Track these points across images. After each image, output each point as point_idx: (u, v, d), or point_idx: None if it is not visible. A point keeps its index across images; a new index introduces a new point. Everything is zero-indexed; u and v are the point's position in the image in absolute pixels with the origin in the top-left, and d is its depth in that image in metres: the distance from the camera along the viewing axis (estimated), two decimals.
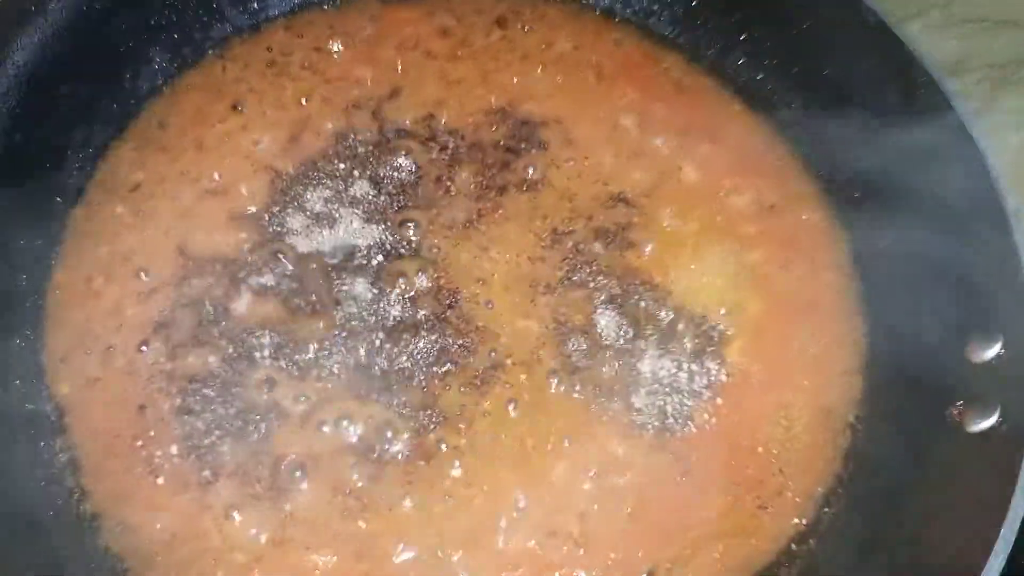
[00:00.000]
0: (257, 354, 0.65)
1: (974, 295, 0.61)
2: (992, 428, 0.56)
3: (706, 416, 0.64)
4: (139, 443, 0.62)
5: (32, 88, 0.66)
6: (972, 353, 0.60)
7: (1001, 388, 0.57)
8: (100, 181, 0.71)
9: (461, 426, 0.62)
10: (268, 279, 0.68)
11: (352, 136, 0.75)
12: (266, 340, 0.65)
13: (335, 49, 0.80)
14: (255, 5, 0.80)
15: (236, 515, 0.59)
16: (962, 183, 0.64)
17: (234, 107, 0.76)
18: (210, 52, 0.79)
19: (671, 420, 0.64)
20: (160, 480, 0.61)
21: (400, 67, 0.80)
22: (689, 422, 0.63)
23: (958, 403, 0.59)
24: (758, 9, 0.77)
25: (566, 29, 0.84)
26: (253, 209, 0.70)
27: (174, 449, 0.62)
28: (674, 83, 0.82)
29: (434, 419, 0.63)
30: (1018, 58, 0.92)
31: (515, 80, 0.80)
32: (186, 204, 0.70)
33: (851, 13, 0.67)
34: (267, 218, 0.70)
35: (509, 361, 0.66)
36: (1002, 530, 0.51)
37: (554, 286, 0.69)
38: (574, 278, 0.70)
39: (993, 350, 0.59)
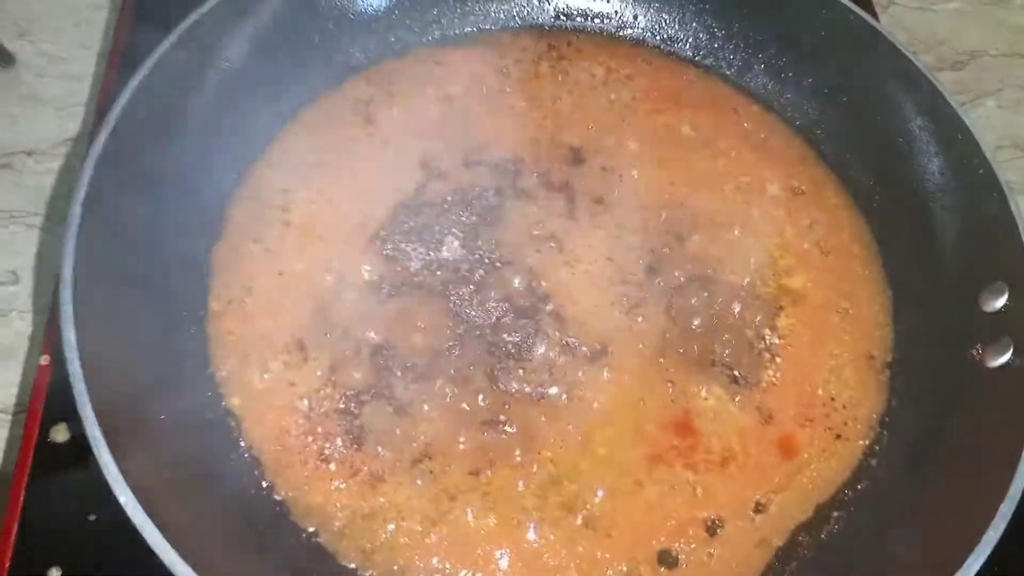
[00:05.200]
0: (396, 360, 0.76)
1: (980, 255, 0.75)
2: (1007, 363, 0.70)
3: (771, 372, 0.78)
4: (309, 439, 0.73)
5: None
6: (984, 304, 0.74)
7: (1012, 330, 0.71)
8: (234, 221, 0.83)
9: (571, 392, 0.76)
10: (391, 294, 0.80)
11: (437, 169, 0.87)
12: (399, 347, 0.77)
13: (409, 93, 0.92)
14: (339, 59, 0.92)
15: (404, 490, 0.71)
16: (958, 162, 0.79)
17: (335, 153, 0.87)
18: (300, 106, 0.90)
19: (744, 380, 0.77)
20: (332, 467, 0.72)
21: (466, 103, 0.92)
22: (760, 379, 0.77)
23: (977, 345, 0.73)
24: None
25: (601, 57, 0.97)
26: (370, 237, 0.82)
27: (339, 441, 0.73)
28: (700, 94, 0.95)
29: (543, 388, 0.76)
30: None
31: (567, 106, 0.93)
32: (311, 234, 0.82)
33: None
34: (384, 245, 0.82)
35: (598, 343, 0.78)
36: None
37: (630, 280, 0.82)
38: (645, 272, 0.83)
39: (1001, 300, 0.73)
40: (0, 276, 0.97)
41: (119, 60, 0.98)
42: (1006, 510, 0.61)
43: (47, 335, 0.80)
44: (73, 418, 0.67)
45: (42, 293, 0.94)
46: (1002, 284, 0.73)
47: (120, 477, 0.58)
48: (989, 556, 0.59)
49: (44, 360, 0.78)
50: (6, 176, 1.04)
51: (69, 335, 0.63)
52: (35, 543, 0.71)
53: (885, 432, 0.76)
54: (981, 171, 0.76)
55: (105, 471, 0.59)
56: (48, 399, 0.77)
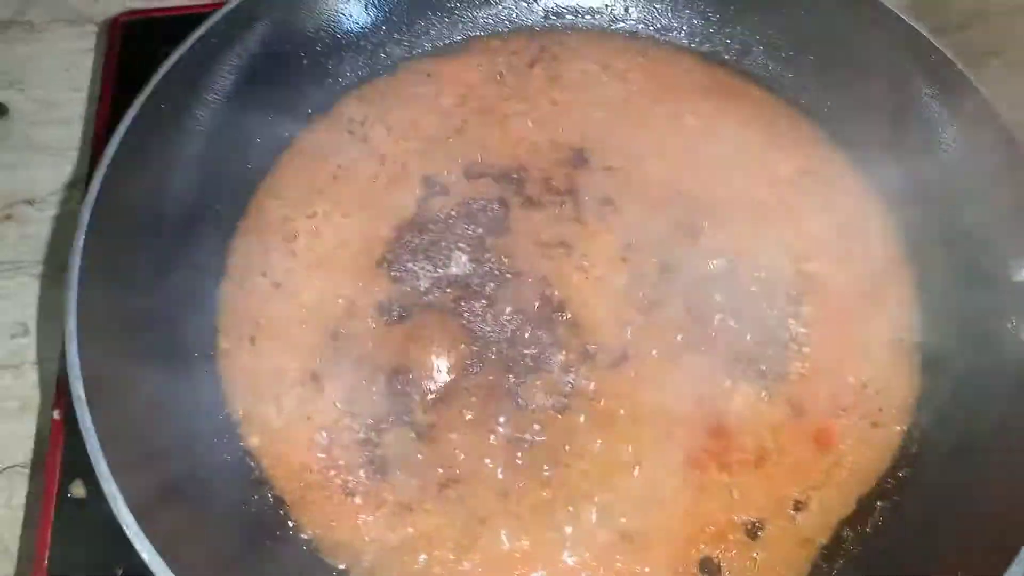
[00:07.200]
0: (413, 384, 0.75)
1: (1006, 223, 0.73)
2: None
3: (799, 363, 0.75)
4: (332, 473, 0.71)
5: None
6: (1015, 274, 0.71)
7: None
8: (238, 255, 0.81)
9: (595, 401, 0.73)
10: (402, 317, 0.78)
11: (439, 184, 0.85)
12: (415, 371, 0.75)
13: (403, 108, 0.90)
14: (329, 81, 0.90)
15: (432, 518, 0.69)
16: (972, 128, 0.76)
17: (333, 177, 0.86)
18: (295, 132, 0.89)
19: (771, 373, 0.75)
20: (357, 500, 0.70)
21: (462, 114, 0.90)
22: (788, 371, 0.75)
23: (1011, 317, 0.70)
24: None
25: (595, 53, 0.95)
26: (376, 259, 0.81)
27: (362, 473, 0.71)
28: (700, 81, 0.93)
29: (565, 400, 0.74)
30: None
31: (564, 107, 0.91)
32: (316, 262, 0.80)
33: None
34: (391, 267, 0.80)
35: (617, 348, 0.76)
36: None
37: (645, 280, 0.80)
38: (660, 270, 0.80)
39: None
40: (11, 328, 0.96)
41: (109, 102, 0.97)
42: None
43: (57, 390, 0.79)
44: (89, 473, 0.66)
45: (50, 345, 0.93)
46: None
47: (141, 533, 0.57)
48: None
49: (56, 415, 0.77)
50: (10, 227, 1.03)
51: (79, 391, 0.61)
52: None
53: (923, 415, 0.73)
54: (998, 136, 0.73)
55: (125, 528, 0.58)
56: (64, 453, 0.76)
